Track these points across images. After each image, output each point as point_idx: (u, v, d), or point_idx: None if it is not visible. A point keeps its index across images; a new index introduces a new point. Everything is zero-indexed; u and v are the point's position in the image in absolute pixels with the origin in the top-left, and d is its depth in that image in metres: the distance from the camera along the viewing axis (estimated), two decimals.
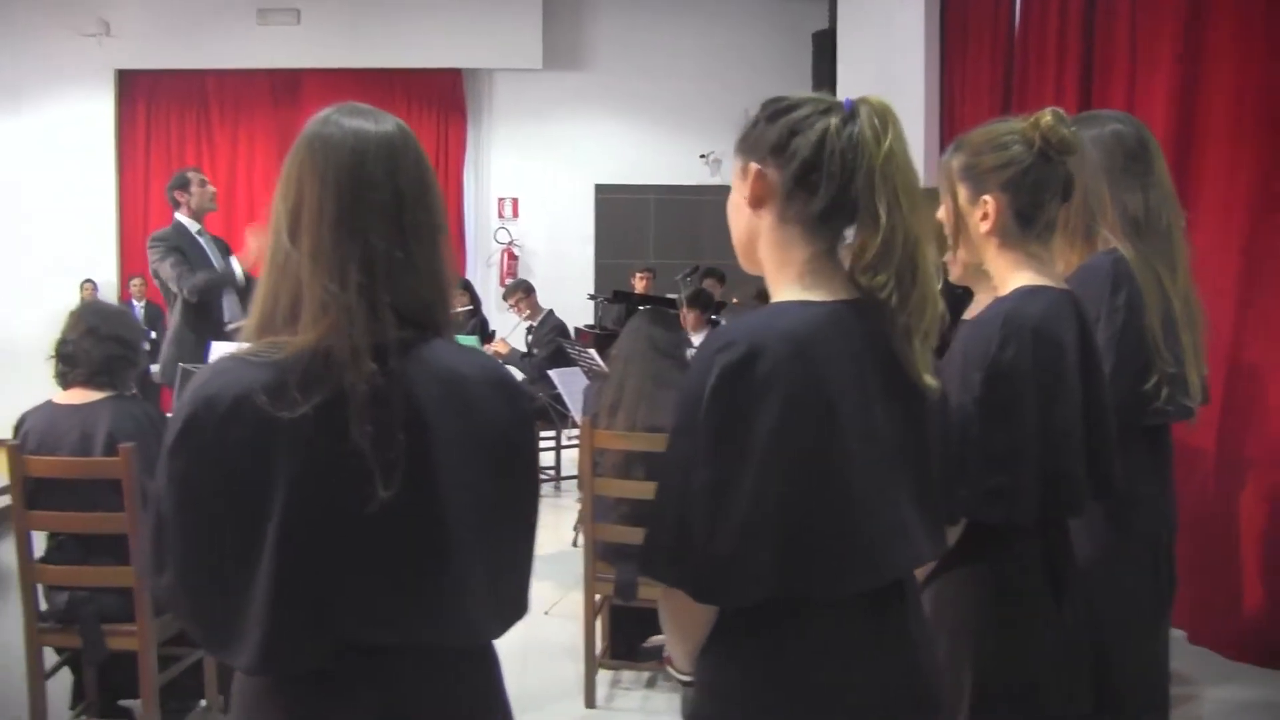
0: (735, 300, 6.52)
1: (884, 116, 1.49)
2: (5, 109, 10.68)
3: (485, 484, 1.42)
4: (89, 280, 10.43)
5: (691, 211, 10.35)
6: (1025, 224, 1.94)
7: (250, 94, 10.72)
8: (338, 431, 1.31)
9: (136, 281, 10.45)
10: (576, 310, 8.67)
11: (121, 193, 10.87)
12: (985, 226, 1.96)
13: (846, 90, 7.84)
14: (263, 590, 1.32)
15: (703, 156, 10.18)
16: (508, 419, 1.47)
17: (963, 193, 2.00)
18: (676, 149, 10.32)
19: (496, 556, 1.45)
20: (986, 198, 1.95)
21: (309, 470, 1.32)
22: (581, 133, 10.31)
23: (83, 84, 10.61)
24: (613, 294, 7.91)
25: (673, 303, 6.77)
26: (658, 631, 3.95)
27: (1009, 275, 1.95)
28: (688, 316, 6.60)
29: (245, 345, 1.40)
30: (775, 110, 1.56)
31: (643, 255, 9.88)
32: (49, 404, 3.60)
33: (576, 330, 7.73)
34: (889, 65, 7.56)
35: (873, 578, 1.50)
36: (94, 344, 3.52)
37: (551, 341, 7.13)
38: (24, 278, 10.59)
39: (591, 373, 5.79)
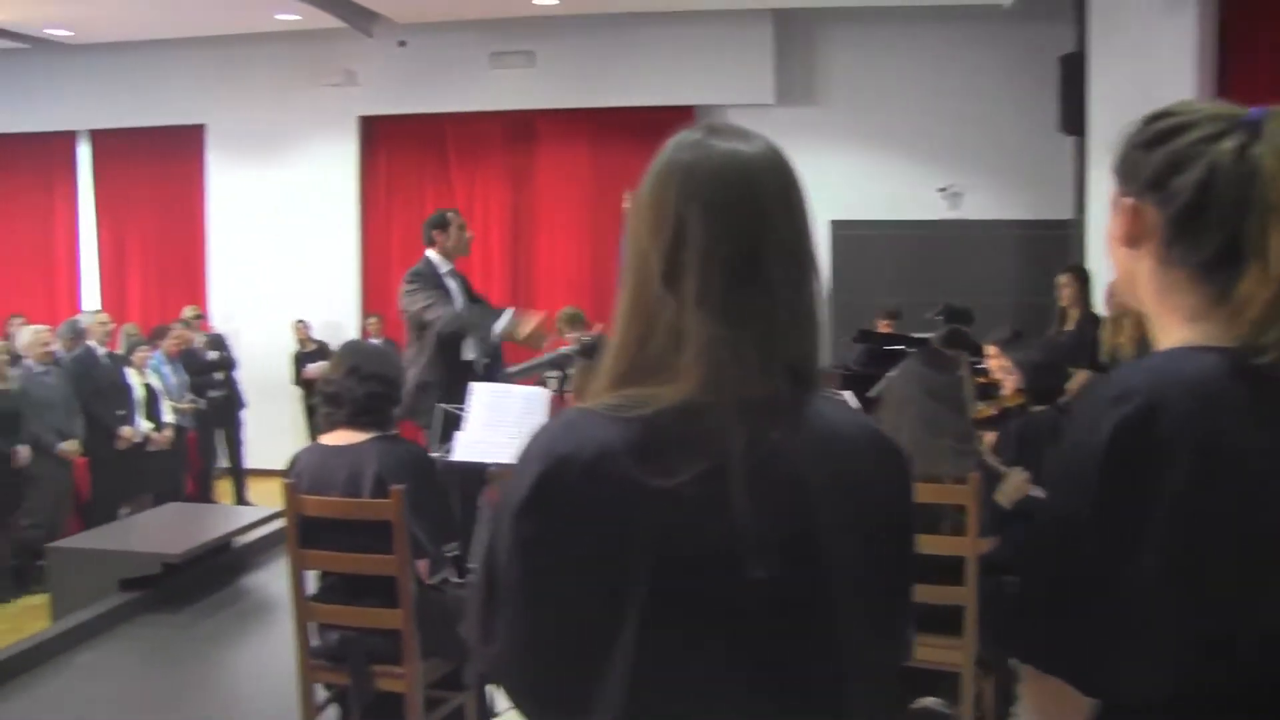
0: (991, 346, 6.15)
1: None
2: (259, 158, 11.29)
3: (870, 560, 1.26)
4: (301, 321, 10.85)
5: (930, 247, 9.96)
6: None
7: (485, 136, 10.95)
8: (715, 501, 1.16)
9: (373, 320, 10.83)
10: None
11: (364, 234, 11.28)
12: None
13: (1099, 120, 7.23)
14: (621, 672, 1.18)
15: (941, 190, 9.82)
16: (891, 485, 1.31)
17: None
18: (914, 183, 9.96)
19: (877, 640, 1.29)
20: None
21: (679, 542, 1.18)
22: (815, 168, 9.63)
23: (329, 131, 11.11)
24: (858, 334, 7.65)
25: (924, 343, 6.47)
26: (925, 693, 3.75)
27: None
28: None
29: (601, 398, 1.25)
30: (1155, 133, 1.31)
31: (880, 292, 9.54)
32: (318, 444, 3.65)
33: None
34: (1152, 89, 7.04)
35: None
36: (356, 383, 3.54)
37: None
38: (273, 318, 11.15)
39: None
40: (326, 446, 3.57)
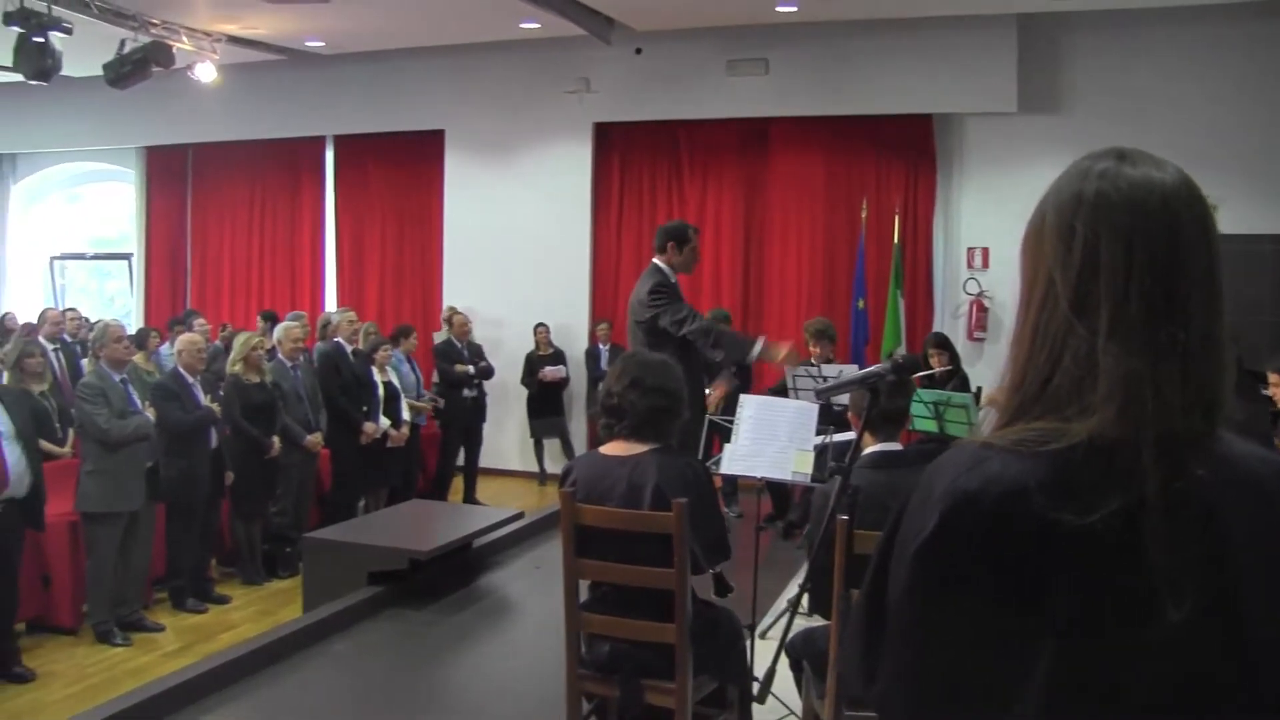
0: (1275, 374, 5.72)
1: None
2: (497, 161, 11.59)
3: None
4: (542, 324, 11.04)
5: None
6: None
7: (719, 143, 10.91)
8: (1131, 540, 1.10)
9: (603, 326, 10.95)
10: None
11: (595, 239, 11.41)
12: None
13: None
14: (1028, 717, 1.12)
15: None
16: None
17: None
18: None
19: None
20: None
21: (1092, 582, 1.11)
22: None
23: (564, 137, 11.28)
24: None
25: None
26: None
27: None
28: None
29: (1001, 432, 1.20)
30: None
31: None
32: (595, 454, 3.62)
33: None
34: None
35: None
36: (639, 396, 3.50)
37: None
38: (505, 320, 11.40)
39: None
40: (605, 456, 3.53)
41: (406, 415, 9.03)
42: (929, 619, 1.18)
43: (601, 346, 10.87)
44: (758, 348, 5.38)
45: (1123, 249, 1.16)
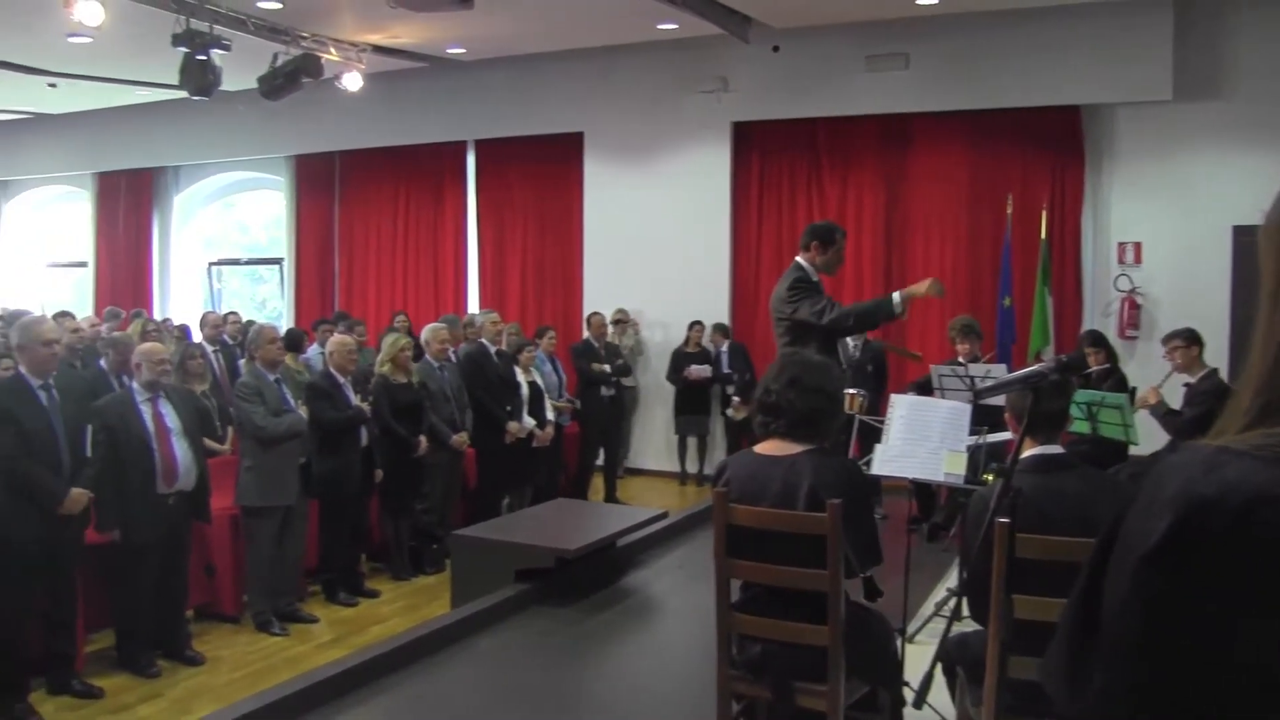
0: None
1: None
2: (636, 162, 11.67)
3: None
4: (698, 323, 11.05)
5: None
6: None
7: (859, 140, 10.79)
8: None
9: (716, 327, 10.98)
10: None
11: (735, 239, 11.39)
12: None
13: None
14: None
15: None
16: None
17: None
18: None
19: None
20: None
21: None
22: (1216, 169, 9.08)
23: (703, 137, 11.30)
24: None
25: None
26: None
27: None
28: None
29: (1239, 436, 1.11)
30: None
31: None
32: (750, 453, 3.60)
33: None
34: None
35: None
36: (798, 395, 3.46)
37: (1205, 403, 6.39)
38: (646, 319, 11.46)
39: None
40: (759, 456, 3.51)
41: (551, 415, 9.14)
42: (1152, 631, 1.09)
43: (716, 348, 10.96)
44: (897, 298, 5.37)
45: None
